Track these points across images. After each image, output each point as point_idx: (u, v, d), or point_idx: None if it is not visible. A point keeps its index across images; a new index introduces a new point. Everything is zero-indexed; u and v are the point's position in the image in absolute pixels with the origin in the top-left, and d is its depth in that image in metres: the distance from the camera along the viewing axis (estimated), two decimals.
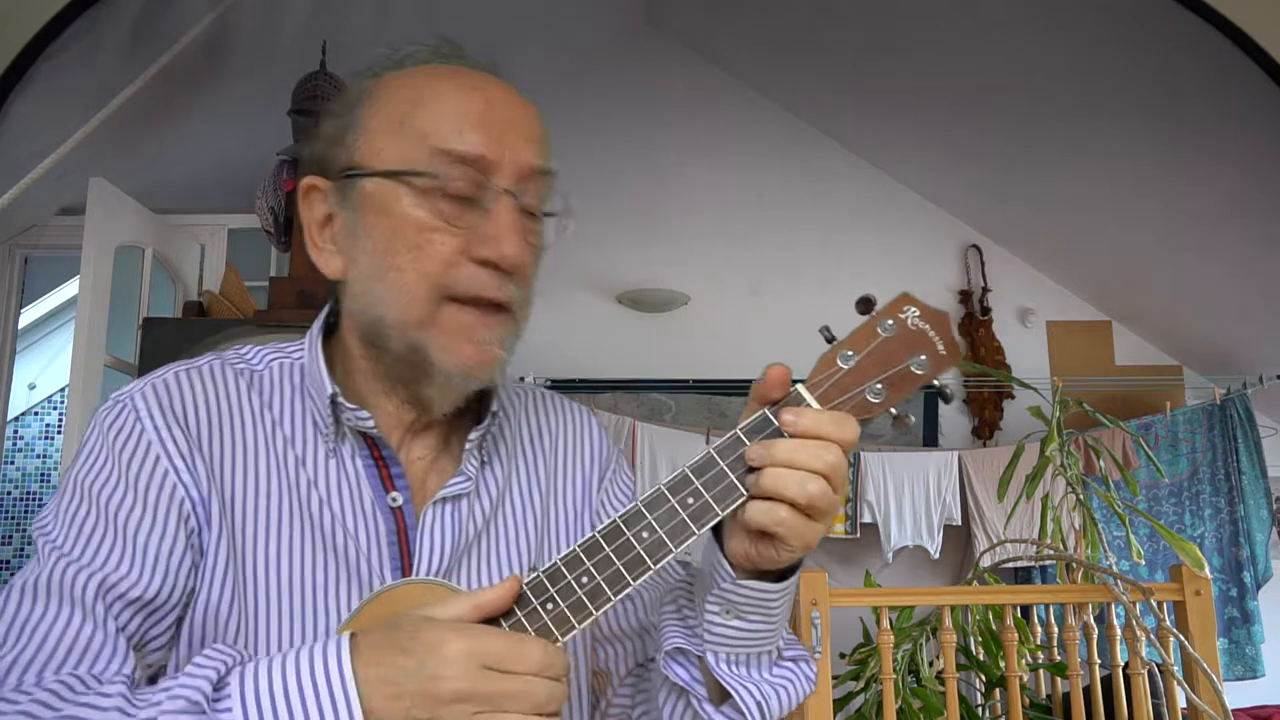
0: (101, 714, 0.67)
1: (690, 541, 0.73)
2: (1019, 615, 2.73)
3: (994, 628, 2.87)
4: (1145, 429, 4.14)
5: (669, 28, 4.77)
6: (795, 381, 0.77)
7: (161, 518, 0.80)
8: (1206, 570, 2.56)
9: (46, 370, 5.70)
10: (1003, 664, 2.64)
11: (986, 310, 4.62)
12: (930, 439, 4.46)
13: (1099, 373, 4.51)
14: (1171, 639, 2.48)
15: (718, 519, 0.73)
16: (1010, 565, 3.66)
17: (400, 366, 0.84)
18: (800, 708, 2.52)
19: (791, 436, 0.73)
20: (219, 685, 0.68)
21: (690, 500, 0.73)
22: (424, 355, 0.82)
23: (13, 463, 5.59)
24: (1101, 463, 3.48)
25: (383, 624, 0.70)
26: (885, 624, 2.54)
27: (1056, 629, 3.06)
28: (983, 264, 4.69)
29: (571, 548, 0.74)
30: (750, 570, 0.76)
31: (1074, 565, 2.84)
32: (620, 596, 0.72)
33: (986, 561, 3.40)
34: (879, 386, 0.75)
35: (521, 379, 3.80)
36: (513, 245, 0.80)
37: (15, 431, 5.63)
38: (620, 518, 0.74)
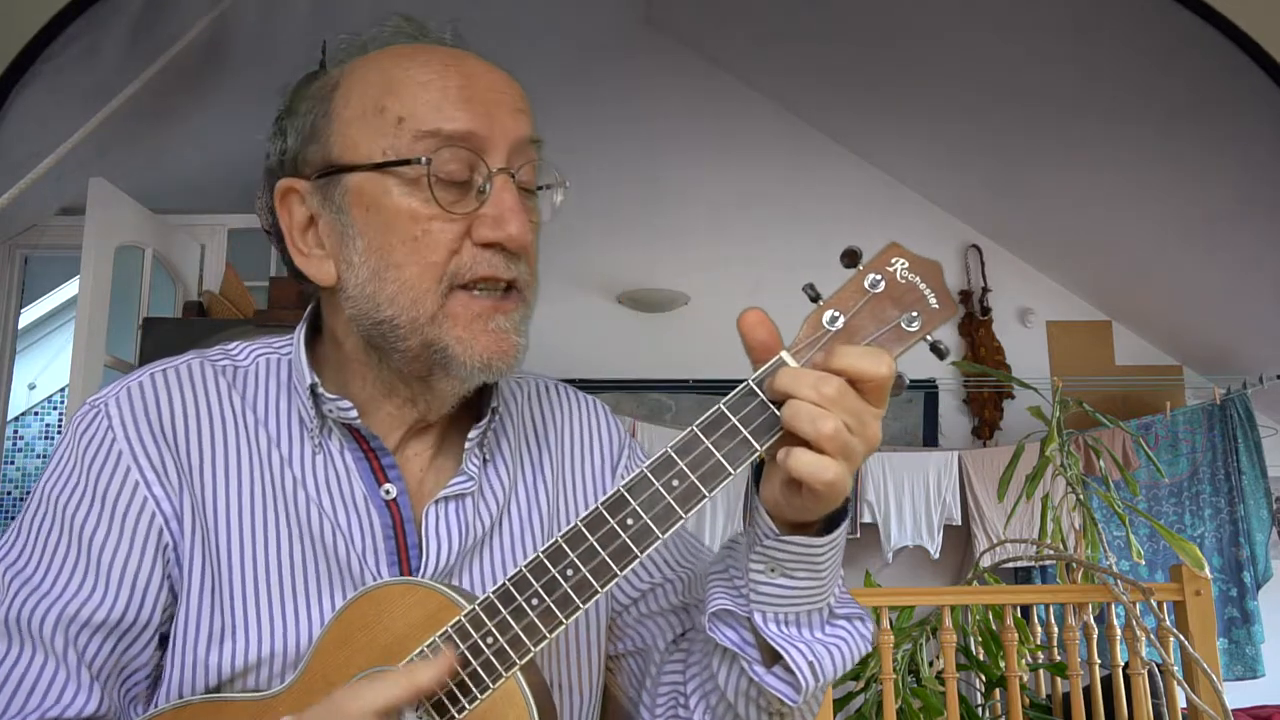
0: None
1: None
2: (1019, 615, 2.73)
3: (994, 628, 2.86)
4: (1145, 429, 4.13)
5: (668, 27, 4.77)
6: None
7: (129, 535, 0.77)
8: (1206, 570, 2.57)
9: (46, 370, 5.70)
10: (1003, 664, 2.64)
11: (986, 310, 4.61)
12: (930, 439, 4.46)
13: (1099, 373, 4.50)
14: (1171, 639, 2.48)
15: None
16: (1010, 565, 3.65)
17: (414, 366, 0.79)
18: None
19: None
20: None
21: (676, 482, 0.70)
22: (441, 351, 0.77)
23: (13, 463, 5.59)
24: (1101, 463, 3.48)
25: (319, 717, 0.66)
26: (885, 624, 2.54)
27: (1056, 629, 3.05)
28: (983, 264, 4.68)
29: (554, 539, 0.72)
30: (791, 524, 0.72)
31: (1074, 565, 2.84)
32: (608, 586, 0.70)
33: (986, 561, 3.40)
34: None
35: None
36: (517, 224, 0.76)
37: (15, 431, 5.63)
38: (609, 499, 0.71)
